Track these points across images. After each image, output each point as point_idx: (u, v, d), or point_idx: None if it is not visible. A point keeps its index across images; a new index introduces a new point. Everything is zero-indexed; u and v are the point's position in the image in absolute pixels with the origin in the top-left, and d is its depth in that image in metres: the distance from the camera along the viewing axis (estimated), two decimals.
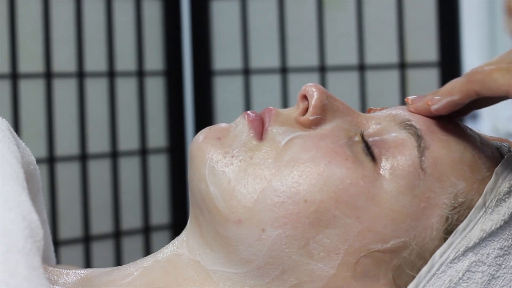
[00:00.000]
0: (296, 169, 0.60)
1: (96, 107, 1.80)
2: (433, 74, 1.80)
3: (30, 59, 1.70)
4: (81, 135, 1.77)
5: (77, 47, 1.77)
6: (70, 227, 1.76)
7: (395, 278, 0.60)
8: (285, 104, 1.86)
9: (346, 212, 0.59)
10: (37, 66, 1.71)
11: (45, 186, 1.72)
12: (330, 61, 1.85)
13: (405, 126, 0.63)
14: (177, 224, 1.88)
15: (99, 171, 1.81)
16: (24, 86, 1.69)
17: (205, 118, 1.89)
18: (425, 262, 0.60)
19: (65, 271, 0.66)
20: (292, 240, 0.59)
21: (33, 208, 0.52)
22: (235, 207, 0.60)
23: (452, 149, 0.62)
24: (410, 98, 0.65)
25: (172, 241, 0.66)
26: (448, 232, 0.60)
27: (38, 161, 0.70)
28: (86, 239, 1.79)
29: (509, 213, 0.61)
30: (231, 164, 0.62)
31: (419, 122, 0.63)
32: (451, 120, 0.64)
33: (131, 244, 1.86)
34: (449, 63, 1.80)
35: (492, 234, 0.60)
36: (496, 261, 0.60)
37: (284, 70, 1.88)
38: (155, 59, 1.90)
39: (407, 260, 0.60)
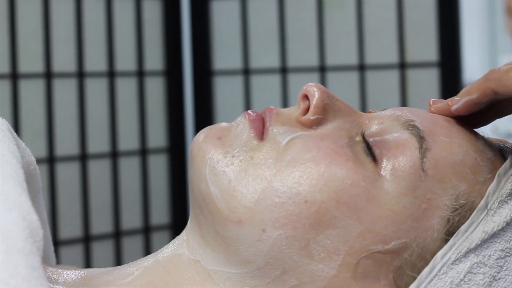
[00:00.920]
0: (297, 170, 0.60)
1: (96, 107, 1.80)
2: (433, 74, 1.80)
3: (30, 59, 1.70)
4: (81, 135, 1.77)
5: (77, 47, 1.77)
6: (70, 227, 1.76)
7: (395, 279, 0.60)
8: (285, 104, 1.86)
9: (347, 213, 0.59)
10: (37, 66, 1.71)
11: (45, 186, 1.72)
12: (330, 61, 1.85)
13: (407, 127, 0.63)
14: (177, 224, 1.88)
15: (99, 171, 1.81)
16: (24, 86, 1.69)
17: (205, 118, 1.89)
18: (426, 263, 0.60)
19: (65, 271, 0.66)
20: (293, 241, 0.59)
21: (33, 208, 0.52)
22: (236, 207, 0.60)
23: (454, 151, 0.62)
24: (432, 100, 0.66)
25: (172, 241, 0.66)
26: (449, 233, 0.60)
27: (38, 161, 0.70)
28: (86, 239, 1.79)
29: (511, 215, 0.61)
30: (231, 164, 0.62)
31: (423, 123, 0.63)
32: (458, 122, 0.64)
33: (131, 244, 1.86)
34: (449, 63, 1.80)
35: (493, 236, 0.60)
36: (497, 262, 0.60)
37: (284, 70, 1.88)
38: (155, 59, 1.90)
39: (408, 261, 0.60)
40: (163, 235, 1.89)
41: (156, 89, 1.90)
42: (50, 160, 1.73)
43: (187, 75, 1.94)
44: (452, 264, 0.59)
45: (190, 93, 1.94)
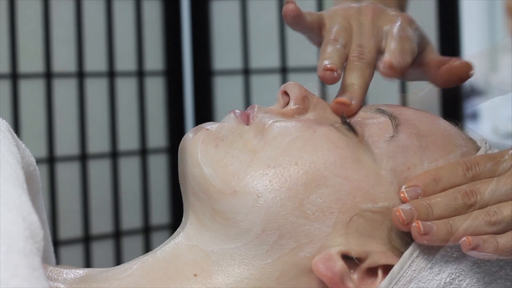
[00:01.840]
0: (285, 139, 0.64)
1: (96, 107, 1.80)
2: None
3: (30, 59, 1.70)
4: (81, 135, 1.77)
5: (77, 47, 1.77)
6: (70, 227, 1.76)
7: (389, 238, 0.62)
8: None
9: (335, 172, 0.62)
10: (37, 66, 1.71)
11: (45, 186, 1.72)
12: None
13: (379, 111, 0.68)
14: (177, 224, 1.87)
15: (99, 171, 1.81)
16: (24, 86, 1.69)
17: (205, 118, 1.89)
18: None
19: (65, 270, 0.67)
20: (287, 202, 0.62)
21: (33, 209, 0.52)
22: (229, 180, 0.63)
23: (424, 126, 0.66)
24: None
25: (169, 238, 0.67)
26: None
27: (38, 161, 0.70)
28: (86, 239, 1.79)
29: None
30: (222, 145, 0.65)
31: (390, 108, 0.69)
32: (424, 111, 0.70)
33: (131, 244, 1.86)
34: None
35: None
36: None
37: (284, 70, 1.88)
38: (155, 59, 1.90)
39: None
40: (163, 235, 1.89)
41: (156, 89, 1.90)
42: (50, 160, 1.73)
43: (187, 75, 1.94)
44: None
45: (190, 93, 1.94)
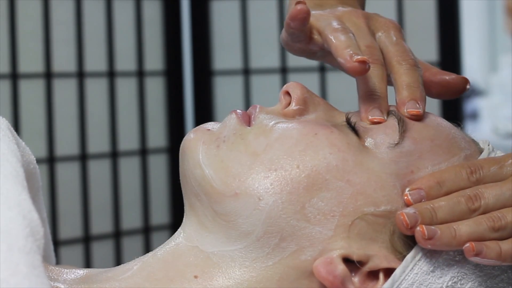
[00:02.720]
0: (287, 142, 0.63)
1: (96, 107, 1.80)
2: None
3: (30, 59, 1.70)
4: (81, 135, 1.77)
5: (77, 47, 1.77)
6: (70, 227, 1.76)
7: (392, 241, 0.62)
8: None
9: (337, 176, 0.62)
10: (37, 66, 1.71)
11: (45, 186, 1.72)
12: None
13: (389, 113, 0.67)
14: (177, 224, 1.87)
15: (99, 171, 1.81)
16: (24, 86, 1.69)
17: (205, 118, 1.89)
18: None
19: (65, 270, 0.67)
20: (289, 205, 0.61)
21: (34, 207, 0.52)
22: (230, 182, 0.62)
23: (430, 132, 0.66)
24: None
25: (169, 239, 0.66)
26: None
27: (38, 161, 0.70)
28: (86, 239, 1.79)
29: None
30: (223, 147, 0.65)
31: (399, 112, 0.67)
32: (430, 114, 0.69)
33: (131, 244, 1.86)
34: (449, 63, 1.80)
35: None
36: None
37: (284, 70, 1.88)
38: (155, 59, 1.90)
39: None
40: (163, 235, 1.89)
41: (156, 89, 1.91)
42: (50, 160, 1.73)
43: (187, 75, 1.94)
44: None
45: (190, 93, 1.94)
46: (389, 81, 0.69)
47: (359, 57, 0.65)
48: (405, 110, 0.65)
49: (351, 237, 0.61)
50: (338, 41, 0.67)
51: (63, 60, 1.75)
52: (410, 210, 0.61)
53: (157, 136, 1.91)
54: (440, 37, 1.80)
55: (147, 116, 1.89)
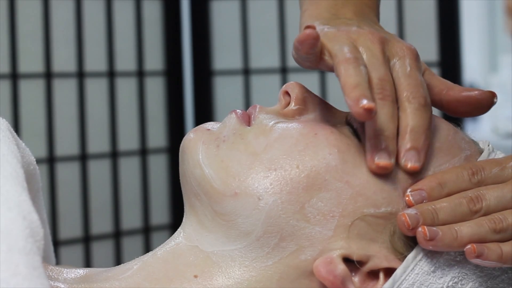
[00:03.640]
0: (286, 142, 0.63)
1: (96, 107, 1.80)
2: None
3: (30, 59, 1.70)
4: (81, 135, 1.77)
5: (77, 47, 1.77)
6: (70, 227, 1.76)
7: (392, 242, 0.62)
8: None
9: (336, 176, 0.62)
10: (37, 66, 1.71)
11: (45, 186, 1.72)
12: None
13: None
14: (177, 224, 1.87)
15: (99, 171, 1.81)
16: (24, 86, 1.69)
17: (205, 118, 1.89)
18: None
19: (65, 269, 0.67)
20: (288, 205, 0.61)
21: (33, 208, 0.52)
22: (230, 182, 0.63)
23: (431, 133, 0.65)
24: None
25: (169, 239, 0.67)
26: None
27: (38, 161, 0.70)
28: (86, 239, 1.79)
29: None
30: (223, 146, 0.65)
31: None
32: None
33: (131, 244, 1.86)
34: (449, 63, 1.80)
35: None
36: None
37: (284, 70, 1.88)
38: (155, 59, 1.90)
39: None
40: (163, 235, 1.89)
41: (156, 89, 1.91)
42: (50, 160, 1.73)
43: (187, 75, 1.94)
44: None
45: (190, 93, 1.94)
46: None
47: (365, 102, 0.60)
48: (403, 161, 0.62)
49: (351, 237, 0.61)
50: (347, 76, 0.62)
51: (63, 60, 1.75)
52: (411, 211, 0.61)
53: (157, 136, 1.91)
54: (440, 37, 1.80)
55: (147, 116, 1.89)
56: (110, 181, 1.83)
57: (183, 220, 0.67)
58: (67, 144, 1.76)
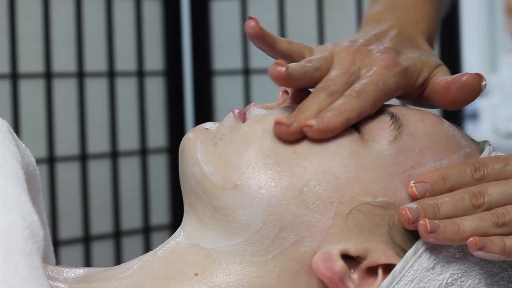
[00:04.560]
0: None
1: (96, 107, 1.80)
2: None
3: (30, 59, 1.70)
4: (81, 135, 1.77)
5: (77, 47, 1.77)
6: (70, 227, 1.76)
7: (392, 236, 0.62)
8: None
9: (332, 159, 0.62)
10: (37, 66, 1.71)
11: (45, 186, 1.72)
12: None
13: (383, 112, 0.67)
14: (177, 224, 1.87)
15: (99, 171, 1.81)
16: (24, 86, 1.69)
17: (205, 118, 1.89)
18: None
19: (65, 269, 0.67)
20: (287, 192, 0.62)
21: (33, 208, 0.52)
22: (231, 175, 0.63)
23: (427, 127, 0.66)
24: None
25: (169, 238, 0.67)
26: None
27: (38, 161, 0.70)
28: (86, 239, 1.79)
29: None
30: (220, 143, 0.65)
31: (394, 108, 0.67)
32: (426, 112, 0.69)
33: (131, 244, 1.86)
34: (449, 63, 1.79)
35: None
36: None
37: None
38: (155, 59, 1.90)
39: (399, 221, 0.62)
40: (163, 235, 1.89)
41: (156, 89, 1.91)
42: (50, 160, 1.73)
43: (187, 75, 1.94)
44: None
45: (190, 93, 1.94)
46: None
47: (281, 120, 0.64)
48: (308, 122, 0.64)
49: (349, 228, 0.61)
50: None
51: (63, 60, 1.75)
52: (412, 205, 0.61)
53: (157, 136, 1.91)
54: (440, 37, 1.80)
55: (147, 116, 1.89)
56: (110, 181, 1.83)
57: (183, 219, 0.67)
58: (67, 144, 1.76)
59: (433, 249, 0.61)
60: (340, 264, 0.60)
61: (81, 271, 0.66)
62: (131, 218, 1.86)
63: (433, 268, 0.61)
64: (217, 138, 0.66)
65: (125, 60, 1.84)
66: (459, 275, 0.61)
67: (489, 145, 0.68)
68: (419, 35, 0.77)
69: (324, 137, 0.63)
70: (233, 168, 0.63)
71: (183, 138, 0.67)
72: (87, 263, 1.78)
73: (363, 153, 0.63)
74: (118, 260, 1.83)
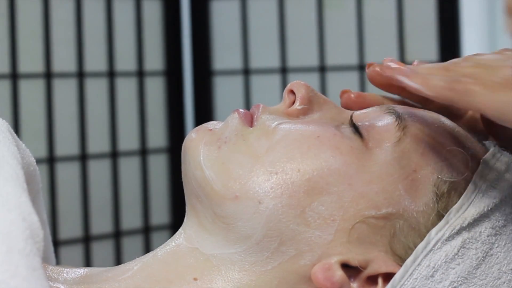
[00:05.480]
0: (288, 144, 0.63)
1: (96, 107, 1.80)
2: None
3: (30, 59, 1.70)
4: (81, 135, 1.77)
5: (77, 47, 1.77)
6: (70, 227, 1.76)
7: (391, 245, 0.62)
8: None
9: (339, 179, 0.62)
10: (37, 66, 1.71)
11: (45, 186, 1.72)
12: (330, 61, 1.85)
13: (388, 111, 0.66)
14: (177, 224, 1.88)
15: (99, 171, 1.81)
16: (24, 86, 1.69)
17: (205, 118, 1.89)
18: (419, 235, 0.62)
19: (66, 269, 0.67)
20: (289, 209, 0.61)
21: (33, 209, 0.52)
22: (231, 185, 0.62)
23: (432, 130, 0.65)
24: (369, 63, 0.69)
25: (170, 239, 0.66)
26: (440, 208, 0.63)
27: (38, 161, 0.70)
28: (86, 239, 1.79)
29: (499, 197, 0.64)
30: (224, 148, 0.64)
31: (401, 109, 0.67)
32: (433, 113, 0.68)
33: (131, 244, 1.86)
34: None
35: (483, 215, 0.63)
36: (489, 239, 0.63)
37: (284, 70, 1.88)
38: (155, 59, 1.90)
39: (401, 229, 0.62)
40: (163, 235, 1.89)
41: (156, 89, 1.90)
42: (50, 160, 1.73)
43: (187, 75, 1.94)
44: (446, 240, 0.62)
45: (190, 93, 1.94)
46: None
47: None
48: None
49: (351, 241, 0.61)
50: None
51: (63, 60, 1.75)
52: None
53: (157, 136, 1.91)
54: (440, 37, 1.80)
55: (147, 116, 1.89)
56: (110, 181, 1.83)
57: (185, 220, 0.67)
58: (67, 144, 1.76)
59: (433, 257, 0.61)
60: (339, 274, 0.60)
61: (81, 271, 0.66)
62: (131, 218, 1.86)
63: (432, 276, 0.61)
64: (221, 141, 0.65)
65: (125, 60, 1.84)
66: (459, 283, 0.61)
67: (495, 145, 0.68)
68: None
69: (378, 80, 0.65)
70: (234, 177, 0.63)
71: (186, 138, 0.67)
72: (87, 263, 1.78)
73: (368, 166, 0.63)
74: (118, 260, 1.83)
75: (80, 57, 1.77)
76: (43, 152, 1.72)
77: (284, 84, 1.88)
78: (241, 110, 0.67)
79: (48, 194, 1.72)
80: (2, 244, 0.48)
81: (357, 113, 0.68)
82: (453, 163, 0.64)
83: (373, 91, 0.74)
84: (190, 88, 1.94)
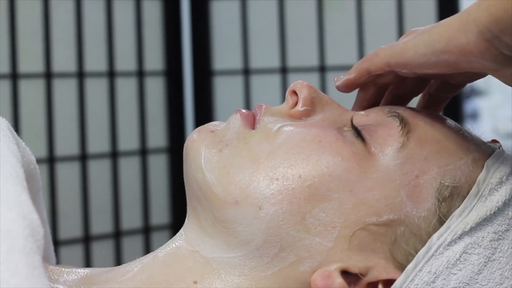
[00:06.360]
0: (290, 149, 0.63)
1: (96, 107, 1.80)
2: None
3: (30, 59, 1.70)
4: (81, 135, 1.77)
5: (77, 47, 1.77)
6: (70, 227, 1.76)
7: (392, 252, 0.61)
8: None
9: (340, 186, 0.61)
10: (37, 66, 1.71)
11: (45, 186, 1.72)
12: (330, 61, 1.85)
13: (391, 114, 0.66)
14: (177, 224, 1.88)
15: (99, 171, 1.81)
16: (24, 86, 1.69)
17: (205, 118, 1.89)
18: (420, 240, 0.62)
19: (66, 270, 0.67)
20: (289, 216, 0.61)
21: (34, 207, 0.52)
22: (232, 189, 0.62)
23: (435, 133, 0.65)
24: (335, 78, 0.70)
25: (170, 239, 0.66)
26: (441, 214, 0.62)
27: (38, 161, 0.70)
28: (86, 239, 1.79)
29: (502, 201, 0.63)
30: (226, 151, 0.64)
31: (405, 112, 0.66)
32: (437, 115, 0.68)
33: (131, 244, 1.86)
34: None
35: (486, 220, 0.62)
36: (491, 244, 0.62)
37: (284, 70, 1.88)
38: (155, 59, 1.90)
39: (402, 235, 0.61)
40: (163, 235, 1.89)
41: (156, 89, 1.90)
42: (50, 160, 1.73)
43: (187, 75, 1.94)
44: (448, 245, 0.61)
45: (190, 93, 1.94)
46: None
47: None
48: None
49: (351, 248, 0.60)
50: None
51: (63, 60, 1.75)
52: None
53: (157, 136, 1.91)
54: None
55: (147, 116, 1.89)
56: (110, 181, 1.83)
57: (185, 221, 0.67)
58: (67, 144, 1.76)
59: (434, 262, 0.61)
60: (339, 281, 0.60)
61: (81, 271, 0.66)
62: (131, 218, 1.86)
63: (434, 282, 0.60)
64: (222, 143, 0.64)
65: (125, 60, 1.84)
66: None
67: (500, 147, 0.67)
68: None
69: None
70: (235, 182, 0.62)
71: (188, 139, 0.66)
72: (87, 263, 1.78)
73: (370, 172, 0.62)
74: (118, 260, 1.83)
75: (80, 57, 1.77)
76: (43, 152, 1.72)
77: (284, 84, 1.88)
78: (243, 110, 0.67)
79: (48, 194, 1.72)
80: (2, 242, 0.47)
81: (358, 114, 0.67)
82: (456, 167, 0.64)
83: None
84: (190, 88, 1.94)
